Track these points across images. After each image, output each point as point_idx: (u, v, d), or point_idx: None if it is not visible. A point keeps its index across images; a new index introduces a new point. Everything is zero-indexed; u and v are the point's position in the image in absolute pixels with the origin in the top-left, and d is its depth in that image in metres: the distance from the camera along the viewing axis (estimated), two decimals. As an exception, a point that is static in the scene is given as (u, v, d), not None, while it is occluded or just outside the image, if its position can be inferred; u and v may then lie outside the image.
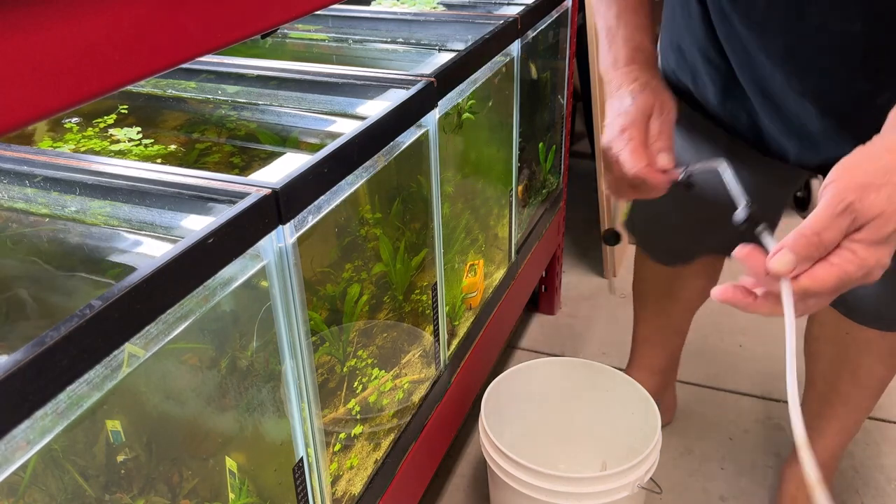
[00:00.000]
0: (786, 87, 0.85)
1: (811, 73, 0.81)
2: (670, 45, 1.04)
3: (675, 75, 1.04)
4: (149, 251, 0.65)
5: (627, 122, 0.80)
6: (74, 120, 0.92)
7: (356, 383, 0.92)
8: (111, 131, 0.90)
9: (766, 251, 0.57)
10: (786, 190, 1.09)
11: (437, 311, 1.07)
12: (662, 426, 1.15)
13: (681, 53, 1.01)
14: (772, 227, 1.15)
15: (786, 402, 1.62)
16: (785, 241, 0.56)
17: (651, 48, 0.89)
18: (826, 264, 0.55)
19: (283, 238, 0.68)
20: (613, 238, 0.78)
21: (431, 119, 0.94)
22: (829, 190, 0.55)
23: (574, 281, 1.97)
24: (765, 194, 1.07)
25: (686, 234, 1.19)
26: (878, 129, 0.61)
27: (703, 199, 1.11)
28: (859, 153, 0.57)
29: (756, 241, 0.60)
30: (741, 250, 0.58)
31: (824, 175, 0.79)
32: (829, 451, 1.22)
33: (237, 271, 0.64)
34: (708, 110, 1.01)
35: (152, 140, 0.88)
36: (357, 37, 1.26)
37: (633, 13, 0.88)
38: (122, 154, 0.84)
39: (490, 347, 1.33)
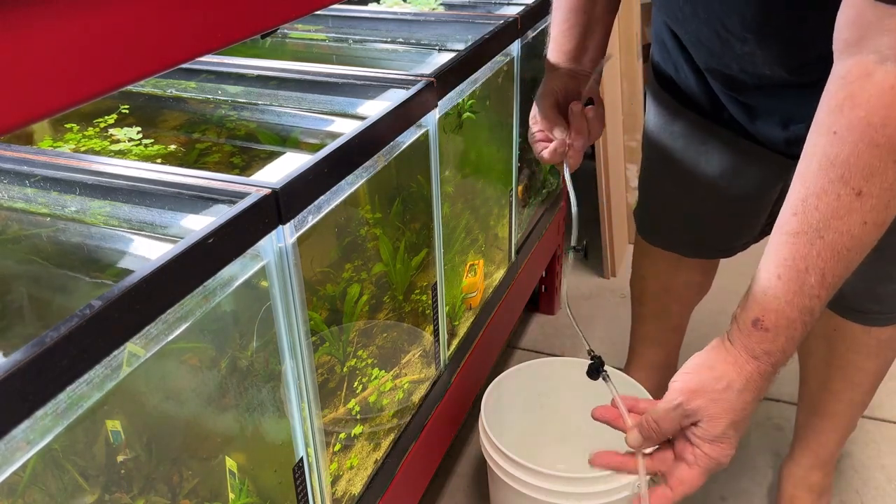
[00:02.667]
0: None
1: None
2: (656, 40, 1.08)
3: (660, 67, 1.08)
4: (149, 251, 0.65)
5: (531, 121, 0.95)
6: (74, 120, 0.92)
7: (356, 383, 0.92)
8: (111, 131, 0.90)
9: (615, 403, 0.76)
10: (776, 176, 1.09)
11: (437, 311, 1.07)
12: (662, 426, 1.15)
13: (664, 46, 1.05)
14: (768, 218, 1.16)
15: (786, 402, 1.63)
16: (637, 421, 0.72)
17: (557, 54, 0.96)
18: (686, 467, 0.69)
19: (283, 238, 0.68)
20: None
21: (431, 119, 0.94)
22: (670, 388, 0.68)
23: (574, 281, 1.97)
24: (754, 180, 1.08)
25: (686, 224, 1.20)
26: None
27: (705, 195, 1.12)
28: (699, 358, 0.68)
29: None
30: (598, 413, 0.77)
31: None
32: (827, 448, 1.22)
33: (237, 271, 0.64)
34: (693, 100, 1.04)
35: (152, 140, 0.88)
36: (357, 37, 1.26)
37: (558, 19, 0.96)
38: (122, 154, 0.84)
39: (490, 347, 1.33)
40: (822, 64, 0.77)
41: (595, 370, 0.75)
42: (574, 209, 0.93)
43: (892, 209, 0.59)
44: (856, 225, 0.59)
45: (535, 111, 0.95)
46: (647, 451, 0.75)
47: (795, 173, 0.63)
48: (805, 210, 0.60)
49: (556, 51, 0.95)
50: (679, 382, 0.67)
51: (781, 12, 0.74)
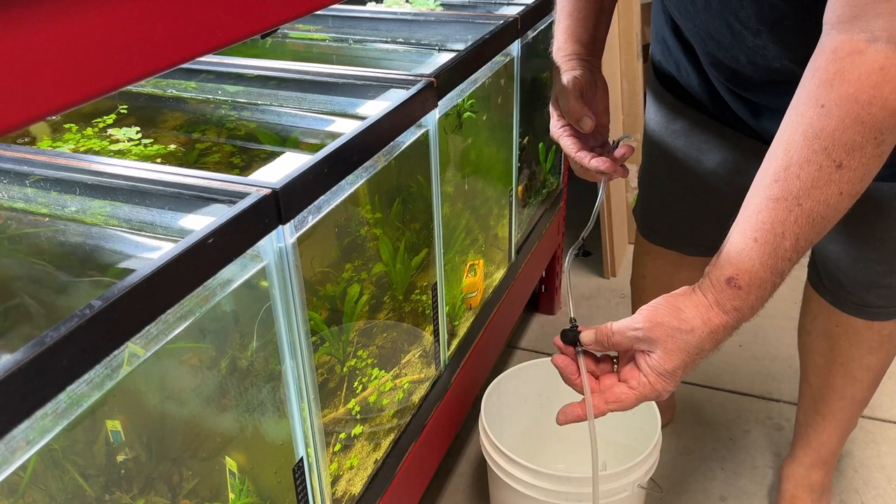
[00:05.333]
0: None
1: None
2: (656, 38, 1.08)
3: (661, 66, 1.08)
4: (149, 251, 0.65)
5: (552, 121, 0.95)
6: (73, 120, 0.92)
7: (356, 383, 0.92)
8: (110, 131, 0.90)
9: (577, 364, 0.76)
10: None
11: (437, 311, 1.07)
12: (662, 426, 1.15)
13: (665, 44, 1.05)
14: None
15: (786, 402, 1.63)
16: (598, 326, 0.74)
17: (571, 42, 0.96)
18: (627, 388, 0.71)
19: (283, 238, 0.68)
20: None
21: (431, 119, 0.94)
22: (636, 313, 0.70)
23: (574, 281, 1.97)
24: (754, 177, 1.08)
25: (688, 223, 1.20)
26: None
27: (707, 194, 1.12)
28: (671, 298, 0.70)
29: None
30: (558, 360, 0.77)
31: None
32: (828, 447, 1.22)
33: (237, 271, 0.64)
34: (695, 98, 1.04)
35: (152, 140, 0.88)
36: (357, 37, 1.26)
37: (569, 7, 0.97)
38: (121, 154, 0.84)
39: (490, 347, 1.33)
40: None
41: (572, 341, 0.76)
42: (594, 215, 0.95)
43: (867, 182, 0.63)
44: (833, 195, 0.62)
45: (553, 100, 0.95)
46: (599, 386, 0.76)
47: (776, 140, 0.65)
48: (787, 178, 0.63)
49: (572, 41, 0.96)
50: (646, 311, 0.69)
51: (800, 5, 0.75)
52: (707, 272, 0.68)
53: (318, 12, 1.19)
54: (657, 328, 0.68)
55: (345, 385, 0.90)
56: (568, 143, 0.93)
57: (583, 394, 0.75)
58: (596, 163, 0.90)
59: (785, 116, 0.65)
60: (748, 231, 0.66)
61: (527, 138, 1.42)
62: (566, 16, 0.96)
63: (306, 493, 0.80)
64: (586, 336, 0.75)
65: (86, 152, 0.85)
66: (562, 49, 0.96)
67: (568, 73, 0.93)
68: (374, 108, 0.90)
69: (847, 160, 0.61)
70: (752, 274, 0.65)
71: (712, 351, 0.69)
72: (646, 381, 0.70)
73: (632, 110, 1.97)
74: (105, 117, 0.93)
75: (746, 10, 0.79)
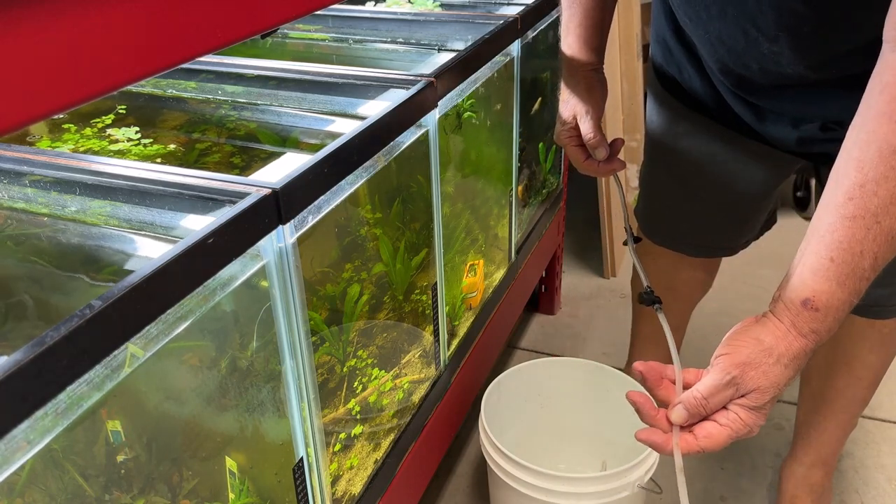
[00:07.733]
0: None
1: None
2: (656, 39, 1.09)
3: (662, 68, 1.09)
4: (149, 251, 0.65)
5: (561, 127, 1.01)
6: (71, 120, 0.92)
7: (356, 383, 0.92)
8: (109, 131, 0.90)
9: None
10: (780, 175, 1.10)
11: (437, 311, 1.07)
12: (662, 426, 1.15)
13: (666, 47, 1.05)
14: (769, 214, 1.17)
15: (786, 402, 1.63)
16: (682, 398, 0.68)
17: (586, 50, 1.00)
18: (717, 426, 0.67)
19: (283, 238, 0.68)
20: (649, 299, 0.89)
21: (431, 119, 0.94)
22: (717, 363, 0.66)
23: (574, 281, 1.97)
24: (759, 179, 1.08)
25: (690, 224, 1.20)
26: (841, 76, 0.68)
27: (709, 195, 1.12)
28: (745, 333, 0.66)
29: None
30: (640, 366, 0.71)
31: (812, 161, 0.84)
32: (829, 446, 1.22)
33: (237, 271, 0.64)
34: (697, 101, 1.04)
35: (151, 140, 0.88)
36: (357, 37, 1.26)
37: (580, 16, 1.00)
38: (121, 154, 0.84)
39: (490, 347, 1.33)
40: (848, 61, 0.76)
41: (650, 302, 0.74)
42: (623, 203, 1.07)
43: None
44: None
45: (570, 112, 0.99)
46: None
47: (843, 158, 0.64)
48: (863, 195, 0.62)
49: (586, 49, 0.98)
50: (727, 357, 0.66)
51: (825, 11, 0.75)
52: (778, 296, 0.66)
53: (318, 12, 1.19)
54: (748, 370, 0.65)
55: (345, 385, 0.90)
56: (575, 153, 0.99)
57: (663, 409, 0.70)
58: (605, 167, 0.97)
59: (850, 134, 0.65)
60: (823, 251, 0.64)
61: (539, 100, 1.43)
62: (577, 24, 0.98)
63: (306, 493, 0.80)
64: (677, 417, 0.68)
65: (85, 152, 0.85)
66: (577, 56, 0.99)
67: (586, 91, 0.97)
68: (374, 108, 0.90)
69: None
70: (831, 295, 0.64)
71: (794, 377, 0.67)
72: (736, 418, 0.66)
73: (632, 110, 1.97)
74: (104, 117, 0.93)
75: (765, 17, 0.79)
